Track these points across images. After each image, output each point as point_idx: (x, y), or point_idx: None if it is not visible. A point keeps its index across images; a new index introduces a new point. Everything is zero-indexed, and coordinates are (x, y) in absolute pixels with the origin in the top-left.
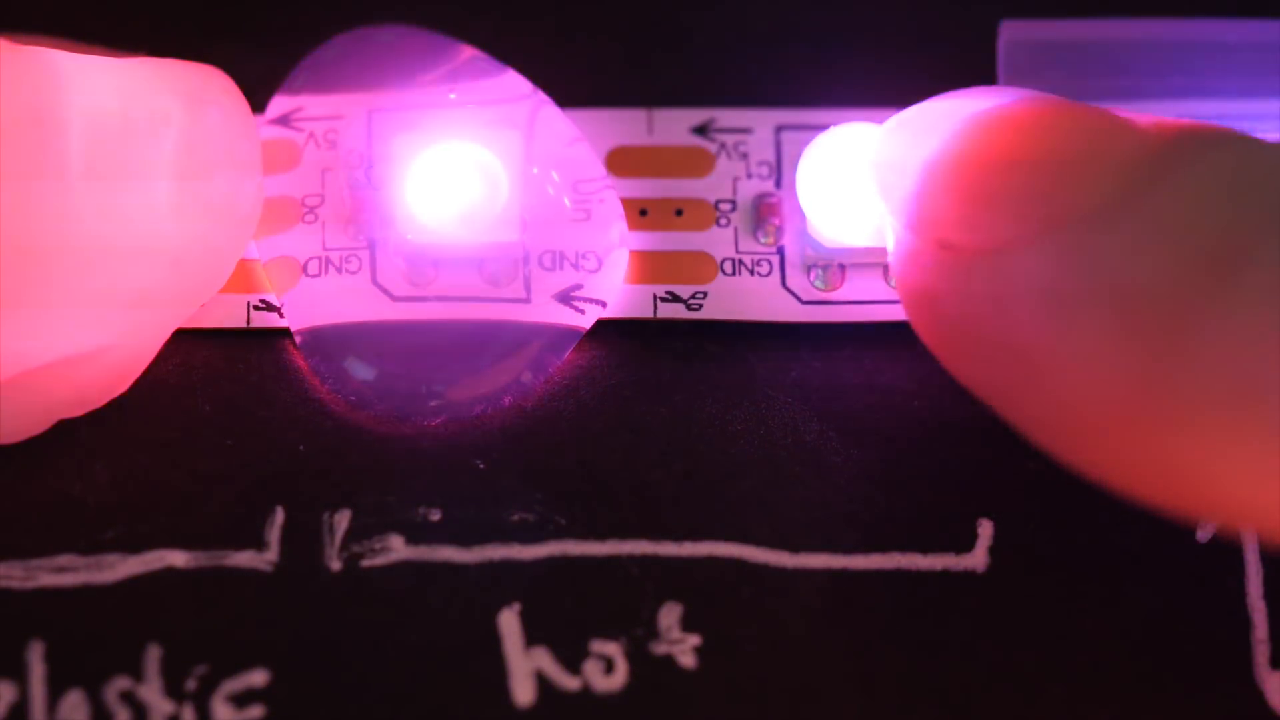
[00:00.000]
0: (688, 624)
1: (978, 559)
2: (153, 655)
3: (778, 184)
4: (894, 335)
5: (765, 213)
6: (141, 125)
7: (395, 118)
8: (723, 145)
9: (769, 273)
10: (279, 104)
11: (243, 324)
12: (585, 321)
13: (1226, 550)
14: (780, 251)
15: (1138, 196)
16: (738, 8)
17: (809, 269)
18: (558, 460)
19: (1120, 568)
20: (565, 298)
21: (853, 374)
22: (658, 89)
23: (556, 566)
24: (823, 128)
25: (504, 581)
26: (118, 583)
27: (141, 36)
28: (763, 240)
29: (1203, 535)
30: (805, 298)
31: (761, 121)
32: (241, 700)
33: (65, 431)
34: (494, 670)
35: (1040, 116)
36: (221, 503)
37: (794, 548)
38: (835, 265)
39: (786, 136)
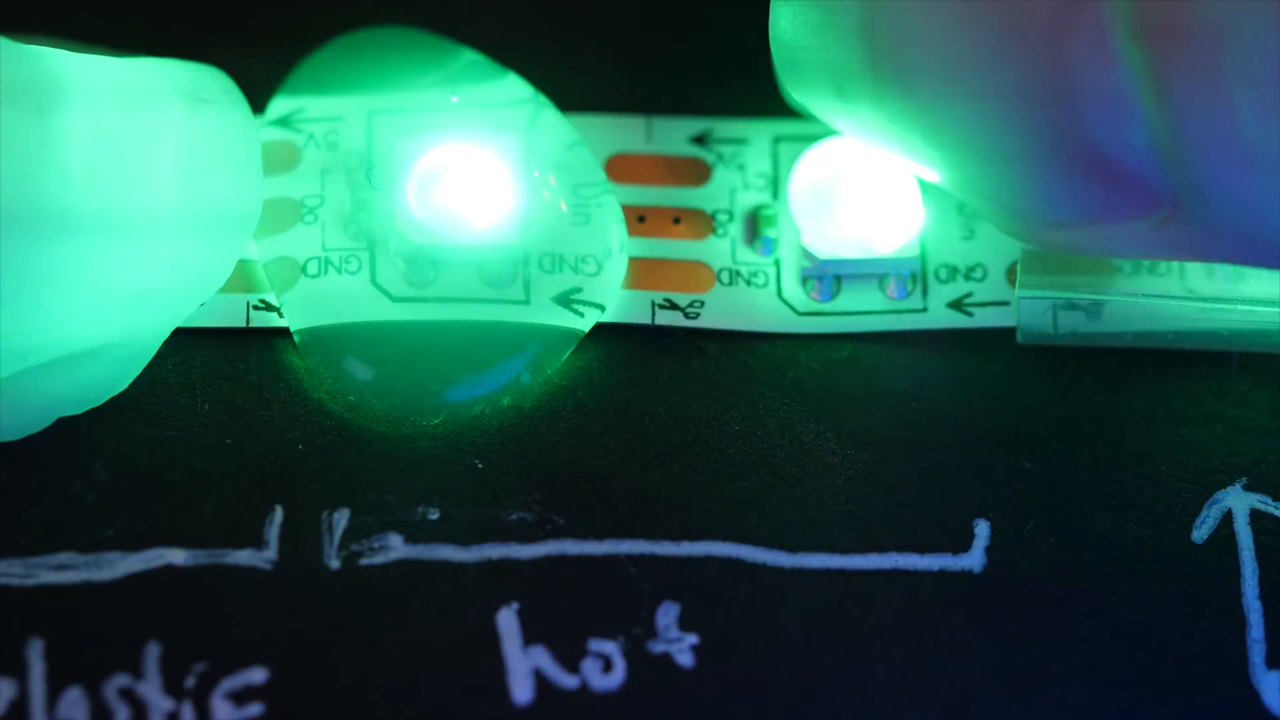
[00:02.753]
0: (685, 623)
1: (974, 559)
2: (152, 653)
3: (775, 195)
4: (891, 338)
5: (762, 225)
6: (142, 125)
7: (396, 120)
8: (720, 156)
9: (765, 284)
10: (280, 105)
11: (242, 323)
12: (584, 324)
13: (1222, 550)
14: (777, 263)
15: None
16: (738, 17)
17: (805, 280)
18: (556, 460)
19: (1116, 568)
20: (564, 300)
21: (850, 375)
22: (657, 96)
23: (555, 565)
24: (820, 139)
25: (502, 580)
26: (117, 580)
27: (143, 37)
28: (759, 252)
29: (1199, 536)
30: (802, 309)
31: (759, 132)
32: (241, 698)
33: (65, 429)
34: (492, 669)
35: None
36: (221, 501)
37: (791, 547)
38: (831, 277)
39: (784, 149)
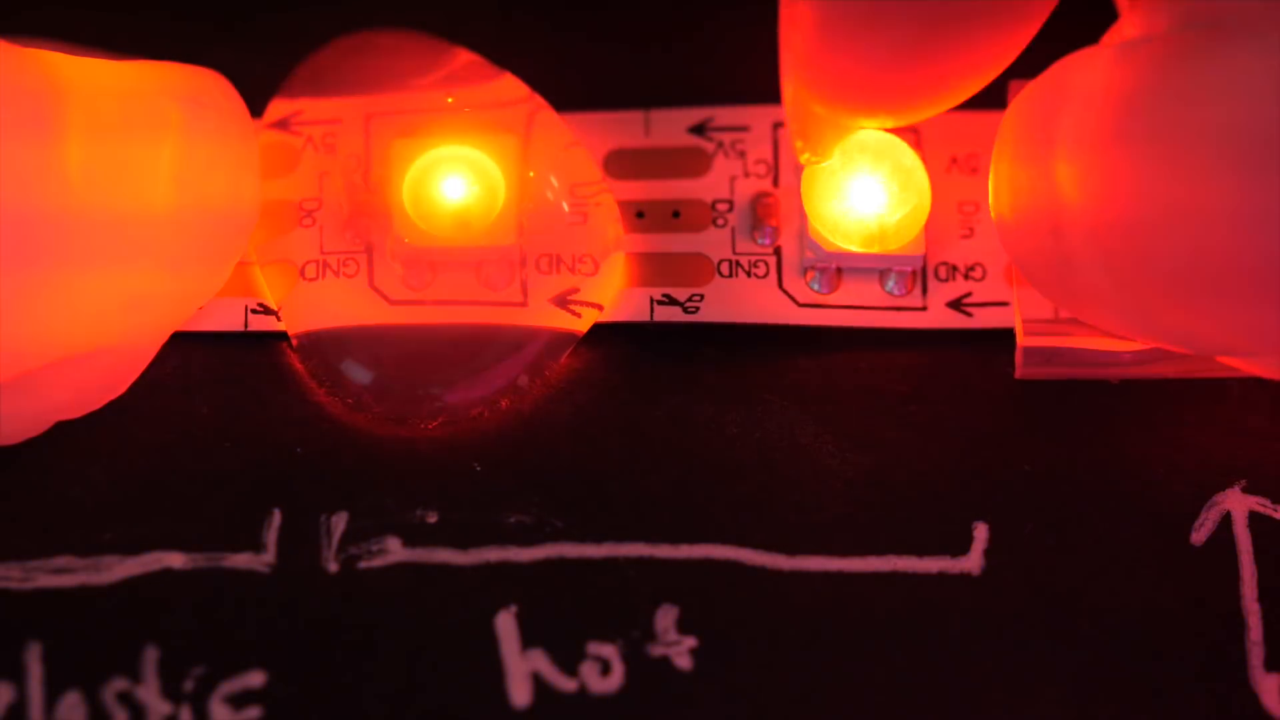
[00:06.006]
0: (684, 626)
1: (973, 562)
2: (150, 656)
3: (775, 182)
4: (890, 339)
5: (762, 213)
6: (140, 128)
7: (393, 121)
8: (720, 144)
9: (765, 274)
10: (277, 108)
11: (240, 327)
12: (582, 325)
13: (1221, 552)
14: (777, 252)
15: None
16: (735, 6)
17: (806, 271)
18: (554, 463)
19: (1115, 570)
20: (562, 301)
21: (848, 377)
22: (655, 90)
23: (553, 568)
24: None
25: (501, 583)
26: (115, 584)
27: (141, 40)
28: (760, 241)
29: (1197, 538)
30: (802, 300)
31: (759, 119)
32: (239, 701)
33: (64, 433)
34: (491, 672)
35: None
36: (219, 504)
37: (790, 550)
38: (833, 269)
39: (785, 133)
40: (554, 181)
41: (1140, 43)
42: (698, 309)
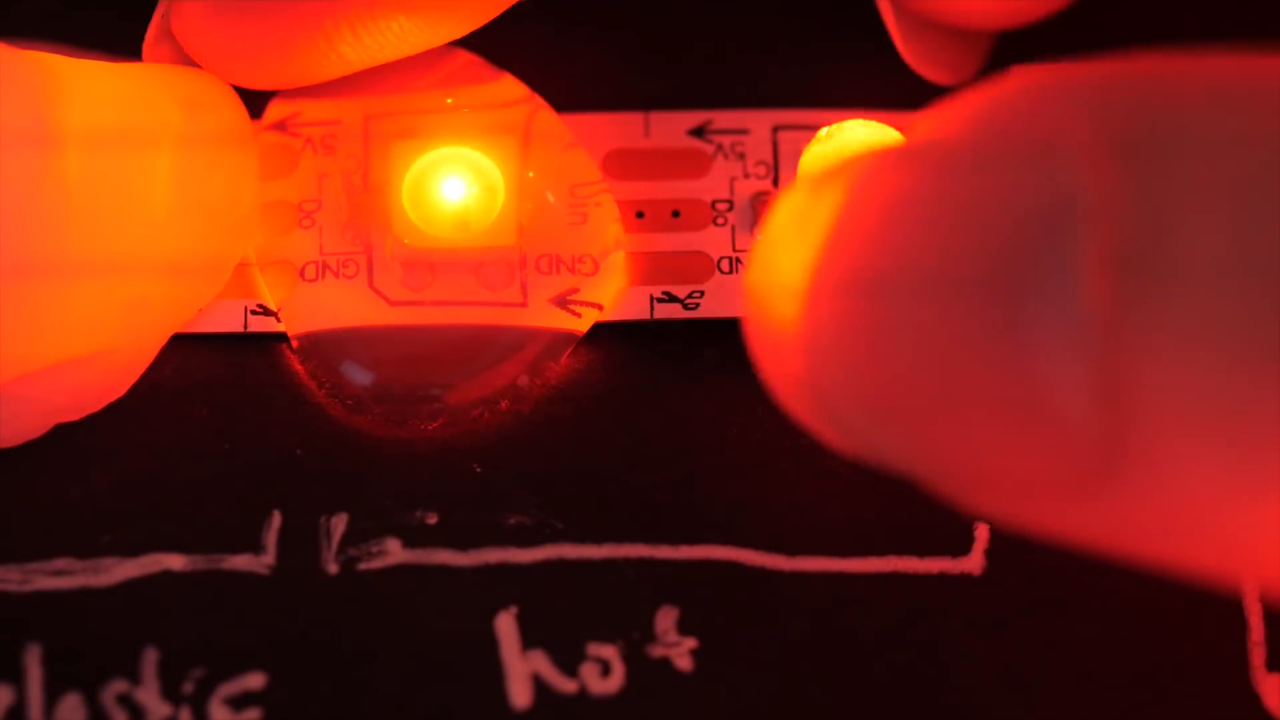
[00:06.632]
0: (684, 627)
1: (974, 562)
2: (150, 658)
3: (775, 183)
4: None
5: (762, 209)
6: (139, 130)
7: (392, 122)
8: (720, 146)
9: None
10: (276, 109)
11: (240, 329)
12: (582, 325)
13: None
14: None
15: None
16: (734, 10)
17: None
18: (554, 464)
19: (1116, 570)
20: (562, 302)
21: None
22: (654, 92)
23: (553, 569)
24: (820, 127)
25: (501, 584)
26: (115, 586)
27: (140, 42)
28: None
29: None
30: None
31: (758, 122)
32: (238, 703)
33: (63, 435)
34: (491, 673)
35: None
36: (218, 506)
37: (790, 551)
38: None
39: (784, 136)
40: (553, 182)
41: (913, 151)
42: (698, 305)
